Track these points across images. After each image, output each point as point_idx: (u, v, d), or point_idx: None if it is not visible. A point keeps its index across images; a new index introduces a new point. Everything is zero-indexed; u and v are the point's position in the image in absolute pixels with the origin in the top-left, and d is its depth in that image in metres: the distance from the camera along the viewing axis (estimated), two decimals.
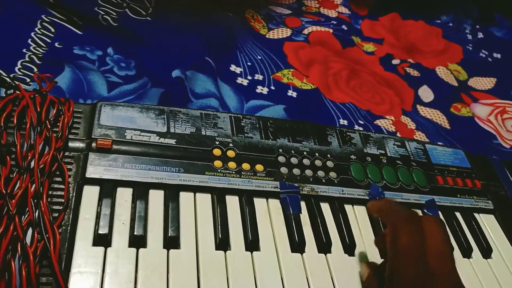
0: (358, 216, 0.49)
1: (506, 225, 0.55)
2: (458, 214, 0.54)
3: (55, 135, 0.41)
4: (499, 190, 0.59)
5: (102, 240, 0.37)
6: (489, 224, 0.55)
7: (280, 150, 0.50)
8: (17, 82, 0.55)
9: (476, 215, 0.55)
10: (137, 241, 0.38)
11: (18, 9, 0.67)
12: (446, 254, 0.36)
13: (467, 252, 0.50)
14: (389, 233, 0.38)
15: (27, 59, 0.60)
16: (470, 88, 0.91)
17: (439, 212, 0.52)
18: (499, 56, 1.03)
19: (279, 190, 0.46)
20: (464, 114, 0.84)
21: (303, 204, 0.47)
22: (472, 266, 0.49)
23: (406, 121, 0.77)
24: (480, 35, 1.07)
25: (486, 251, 0.51)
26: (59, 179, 0.40)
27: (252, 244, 0.42)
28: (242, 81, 0.72)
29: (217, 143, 0.48)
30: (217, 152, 0.47)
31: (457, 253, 0.50)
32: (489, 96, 0.90)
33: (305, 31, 0.89)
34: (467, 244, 0.51)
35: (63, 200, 0.38)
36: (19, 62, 0.59)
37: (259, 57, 0.78)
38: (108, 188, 0.41)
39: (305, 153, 0.51)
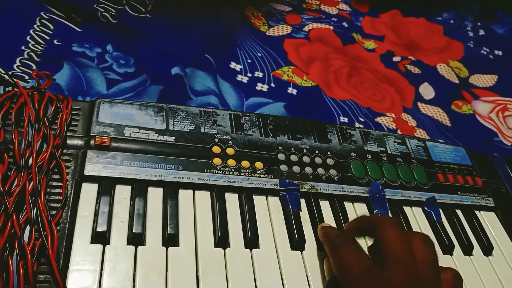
0: (358, 214, 0.49)
1: (507, 223, 0.55)
2: (459, 212, 0.54)
3: (53, 132, 0.41)
4: (500, 188, 0.58)
5: (101, 238, 0.37)
6: (490, 221, 0.54)
7: (280, 148, 0.50)
8: (15, 79, 0.55)
9: (477, 212, 0.55)
10: (136, 239, 0.38)
11: (17, 6, 0.66)
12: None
13: (468, 250, 0.50)
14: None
15: (25, 56, 0.59)
16: (471, 85, 0.90)
17: (440, 210, 0.52)
18: (500, 53, 1.02)
19: (278, 187, 0.46)
20: (465, 111, 0.84)
21: (303, 201, 0.47)
22: (473, 263, 0.49)
23: (407, 119, 0.77)
24: (482, 32, 1.07)
25: (487, 249, 0.51)
26: (57, 176, 0.39)
27: (251, 241, 0.42)
28: (242, 79, 0.72)
29: (216, 140, 0.47)
30: (216, 149, 0.47)
31: (457, 250, 0.49)
32: (490, 93, 0.90)
33: (306, 28, 0.88)
34: (468, 241, 0.50)
35: (61, 198, 0.38)
36: (17, 59, 0.58)
37: (259, 54, 0.78)
38: (106, 186, 0.41)
39: (305, 150, 0.50)
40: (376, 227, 0.38)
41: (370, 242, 0.41)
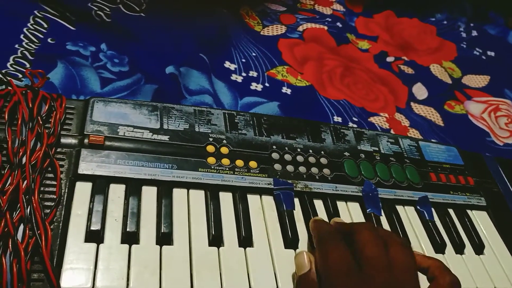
0: (351, 213, 0.49)
1: (499, 222, 0.55)
2: (451, 211, 0.54)
3: (47, 131, 0.41)
4: (492, 187, 0.59)
5: (94, 237, 0.37)
6: (481, 220, 0.55)
7: (274, 147, 0.50)
8: (9, 78, 0.55)
9: (469, 211, 0.55)
10: (130, 238, 0.38)
11: (11, 4, 0.66)
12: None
13: (459, 248, 0.50)
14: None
15: (19, 54, 0.59)
16: (464, 85, 0.91)
17: (432, 209, 0.53)
18: (493, 54, 1.03)
19: (272, 186, 0.46)
20: (458, 111, 0.84)
21: (296, 200, 0.47)
22: (465, 262, 0.49)
23: (400, 119, 0.77)
24: (474, 33, 1.08)
25: (479, 247, 0.51)
26: (51, 175, 0.39)
27: (245, 240, 0.42)
28: (236, 78, 0.72)
29: (210, 139, 0.48)
30: (210, 148, 0.47)
31: (449, 249, 0.50)
32: (483, 93, 0.90)
33: (300, 28, 0.89)
34: (459, 240, 0.51)
35: (55, 197, 0.38)
36: (11, 58, 0.58)
37: (253, 54, 0.78)
38: (100, 185, 0.41)
39: (298, 150, 0.51)
40: (353, 233, 0.38)
41: None
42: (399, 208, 0.52)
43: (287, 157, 0.50)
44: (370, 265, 0.35)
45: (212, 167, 0.45)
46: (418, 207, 0.52)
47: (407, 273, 0.36)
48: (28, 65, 0.58)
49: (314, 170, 0.50)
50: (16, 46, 0.60)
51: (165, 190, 0.42)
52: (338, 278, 0.35)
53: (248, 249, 0.41)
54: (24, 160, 0.38)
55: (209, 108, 0.51)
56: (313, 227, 0.42)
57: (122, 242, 0.38)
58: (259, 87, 0.72)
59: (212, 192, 0.44)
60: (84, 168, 0.41)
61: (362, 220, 0.49)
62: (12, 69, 0.57)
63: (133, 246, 0.38)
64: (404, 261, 0.36)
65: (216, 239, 0.41)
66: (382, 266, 0.35)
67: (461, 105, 0.86)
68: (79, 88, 0.59)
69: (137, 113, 0.47)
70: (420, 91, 0.86)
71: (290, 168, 0.49)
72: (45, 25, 0.65)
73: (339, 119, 0.72)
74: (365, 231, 0.38)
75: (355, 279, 0.35)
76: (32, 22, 0.64)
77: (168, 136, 0.46)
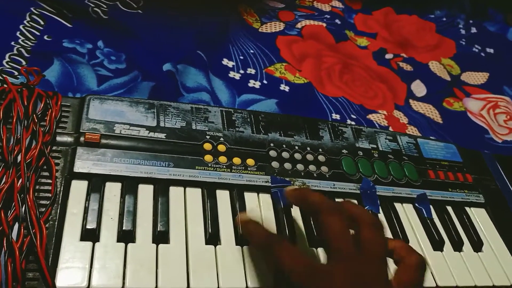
0: None
1: (497, 219, 0.55)
2: (449, 208, 0.54)
3: (43, 129, 0.41)
4: (490, 184, 0.59)
5: (90, 235, 0.37)
6: (480, 217, 0.55)
7: (272, 145, 0.50)
8: (4, 75, 0.54)
9: (467, 209, 0.55)
10: (126, 236, 0.38)
11: (7, 1, 0.65)
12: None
13: (458, 246, 0.50)
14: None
15: (15, 52, 0.59)
16: (462, 82, 0.91)
17: (431, 206, 0.52)
18: (492, 51, 1.03)
19: (270, 184, 0.46)
20: (457, 108, 0.84)
21: None
22: (463, 259, 0.49)
23: (399, 116, 0.77)
24: (473, 30, 1.07)
25: (477, 245, 0.51)
26: (46, 173, 0.39)
27: (242, 238, 0.42)
28: (234, 75, 0.72)
29: (207, 137, 0.47)
30: (207, 146, 0.47)
31: (448, 246, 0.50)
32: (482, 90, 0.90)
33: (298, 25, 0.88)
34: (458, 237, 0.51)
35: (50, 195, 0.38)
36: (7, 55, 0.58)
37: (251, 51, 0.78)
38: (96, 183, 0.40)
39: (296, 147, 0.50)
40: (318, 214, 0.36)
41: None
42: (397, 205, 0.51)
43: (285, 154, 0.49)
44: (338, 256, 0.34)
45: (209, 165, 0.45)
46: (417, 205, 0.52)
47: (375, 262, 0.35)
48: (24, 63, 0.58)
49: (312, 167, 0.49)
50: (12, 43, 0.60)
51: (161, 188, 0.42)
52: (302, 282, 0.33)
53: (245, 247, 0.41)
54: (19, 158, 0.38)
55: (206, 105, 0.51)
56: (248, 233, 0.40)
57: (118, 240, 0.38)
58: (257, 85, 0.72)
59: (209, 190, 0.44)
60: (80, 166, 0.40)
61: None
62: (8, 66, 0.57)
63: (129, 244, 0.38)
64: (373, 247, 0.35)
65: (212, 237, 0.41)
66: (349, 256, 0.34)
67: (460, 102, 0.86)
68: (75, 86, 0.58)
69: (133, 111, 0.46)
70: (418, 88, 0.85)
71: (287, 165, 0.48)
72: (42, 22, 0.65)
73: (338, 117, 0.72)
74: (330, 215, 0.35)
75: (320, 275, 0.33)
76: (28, 19, 0.64)
77: (165, 134, 0.46)
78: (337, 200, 0.49)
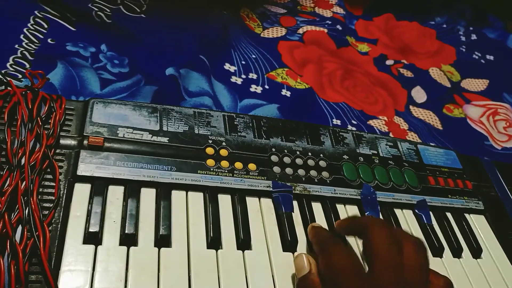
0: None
1: (496, 226, 0.55)
2: (449, 215, 0.54)
3: (47, 132, 0.41)
4: (490, 191, 0.59)
5: (93, 238, 0.37)
6: (479, 224, 0.55)
7: (273, 150, 0.50)
8: (8, 78, 0.55)
9: (466, 215, 0.55)
10: (128, 240, 0.38)
11: (11, 4, 0.66)
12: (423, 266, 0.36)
13: (457, 252, 0.51)
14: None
15: (19, 55, 0.59)
16: (462, 89, 0.91)
17: (430, 213, 0.53)
18: (492, 58, 1.03)
19: (271, 189, 0.47)
20: (457, 115, 0.85)
21: (295, 203, 0.47)
22: (462, 266, 0.49)
23: (399, 122, 0.78)
24: (474, 36, 1.08)
25: (476, 251, 0.51)
26: (50, 176, 0.39)
27: (243, 243, 0.42)
28: (236, 80, 0.72)
29: (210, 141, 0.48)
30: (210, 150, 0.47)
31: (447, 253, 0.50)
32: (482, 97, 0.91)
33: (300, 31, 0.89)
34: (457, 244, 0.51)
35: (53, 198, 0.38)
36: (11, 58, 0.58)
37: (253, 56, 0.78)
38: (99, 186, 0.41)
39: (298, 152, 0.51)
40: (366, 228, 0.38)
41: (360, 242, 0.42)
42: (397, 211, 0.52)
43: (286, 159, 0.50)
44: (381, 265, 0.34)
45: (211, 169, 0.45)
46: (416, 211, 0.52)
47: (418, 275, 0.35)
48: (28, 66, 0.58)
49: (313, 173, 0.50)
50: (16, 46, 0.60)
51: (164, 192, 0.42)
52: (347, 281, 0.34)
53: (246, 251, 0.41)
54: (23, 161, 0.38)
55: (209, 110, 0.51)
56: (312, 234, 0.42)
57: (121, 244, 0.38)
58: (259, 89, 0.72)
59: (211, 195, 0.44)
60: (83, 169, 0.41)
61: None
62: (11, 69, 0.57)
63: (132, 248, 0.38)
64: (416, 261, 0.36)
65: (214, 242, 0.41)
66: (394, 267, 0.34)
67: (460, 108, 0.86)
68: (78, 89, 0.59)
69: (136, 115, 0.47)
70: (419, 94, 0.86)
71: (289, 170, 0.49)
72: (45, 26, 0.65)
73: (338, 122, 0.72)
74: (378, 227, 0.37)
75: (365, 280, 0.34)
76: (32, 22, 0.65)
77: (168, 138, 0.46)
78: (337, 206, 0.49)
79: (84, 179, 0.41)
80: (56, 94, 0.45)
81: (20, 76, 0.57)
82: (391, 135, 0.74)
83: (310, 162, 0.51)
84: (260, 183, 0.46)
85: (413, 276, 0.35)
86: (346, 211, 0.49)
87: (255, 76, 0.74)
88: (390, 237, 0.36)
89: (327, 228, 0.46)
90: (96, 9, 0.72)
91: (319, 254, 0.39)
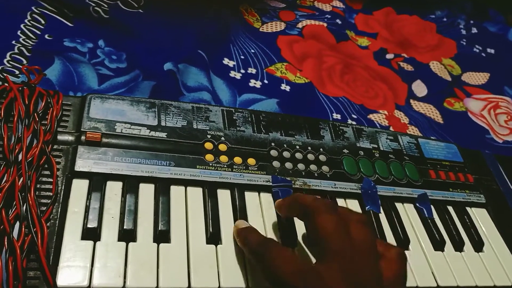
0: None
1: (498, 219, 0.55)
2: (450, 208, 0.54)
3: (44, 128, 0.41)
4: (491, 185, 0.59)
5: (91, 234, 0.37)
6: (481, 218, 0.55)
7: (273, 144, 0.50)
8: (5, 74, 0.54)
9: (468, 209, 0.55)
10: (127, 235, 0.38)
11: (8, 0, 0.65)
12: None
13: (459, 246, 0.50)
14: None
15: (16, 51, 0.59)
16: (463, 83, 0.91)
17: (431, 206, 0.52)
18: (492, 51, 1.03)
19: (271, 184, 0.46)
20: (457, 108, 0.84)
21: None
22: (464, 259, 0.49)
23: (400, 116, 0.77)
24: (474, 30, 1.07)
25: (478, 245, 0.51)
26: (47, 172, 0.39)
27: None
28: (235, 75, 0.72)
29: (208, 136, 0.47)
30: (208, 145, 0.46)
31: (449, 246, 0.50)
32: (482, 91, 0.90)
33: (299, 25, 0.88)
34: (459, 237, 0.51)
35: (51, 194, 0.38)
36: (8, 54, 0.58)
37: (252, 51, 0.78)
38: (97, 182, 0.40)
39: (297, 147, 0.50)
40: (311, 213, 0.36)
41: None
42: (398, 205, 0.51)
43: (286, 154, 0.49)
44: (334, 255, 0.33)
45: (210, 164, 0.45)
46: (417, 205, 0.52)
47: (368, 256, 0.34)
48: (25, 62, 0.58)
49: (313, 167, 0.49)
50: (13, 42, 0.60)
51: (162, 187, 0.42)
52: (294, 284, 0.32)
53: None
54: (20, 157, 0.38)
55: (207, 105, 0.51)
56: (242, 241, 0.39)
57: (119, 239, 0.38)
58: (258, 84, 0.72)
59: (210, 190, 0.44)
60: (81, 165, 0.40)
61: None
62: (8, 65, 0.57)
63: (130, 243, 0.38)
64: (365, 242, 0.35)
65: (213, 237, 0.41)
66: (345, 254, 0.33)
67: (461, 102, 0.86)
68: (76, 85, 0.58)
69: (134, 110, 0.46)
70: (419, 88, 0.85)
71: (288, 165, 0.48)
72: (43, 21, 0.65)
73: (338, 116, 0.72)
74: (324, 213, 0.35)
75: (311, 277, 0.33)
76: (29, 18, 0.64)
77: (166, 133, 0.46)
78: (337, 200, 0.49)
79: (82, 175, 0.40)
80: (53, 90, 0.45)
81: (17, 72, 0.56)
82: (391, 129, 0.73)
83: (310, 157, 0.50)
84: (260, 178, 0.46)
85: (363, 259, 0.34)
86: (347, 206, 0.49)
87: (254, 71, 0.74)
88: (338, 223, 0.35)
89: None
90: (93, 4, 0.72)
91: (255, 263, 0.37)
